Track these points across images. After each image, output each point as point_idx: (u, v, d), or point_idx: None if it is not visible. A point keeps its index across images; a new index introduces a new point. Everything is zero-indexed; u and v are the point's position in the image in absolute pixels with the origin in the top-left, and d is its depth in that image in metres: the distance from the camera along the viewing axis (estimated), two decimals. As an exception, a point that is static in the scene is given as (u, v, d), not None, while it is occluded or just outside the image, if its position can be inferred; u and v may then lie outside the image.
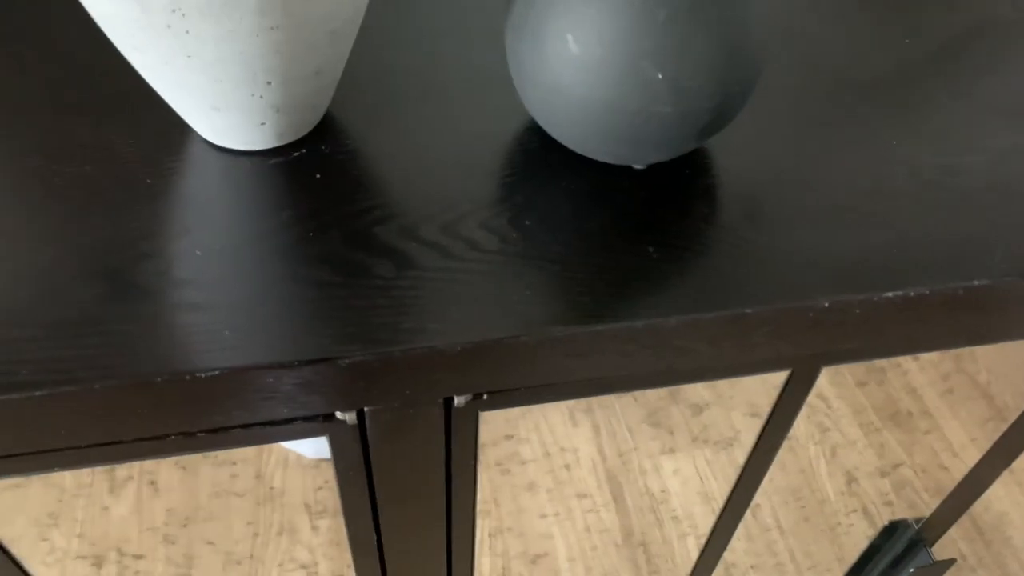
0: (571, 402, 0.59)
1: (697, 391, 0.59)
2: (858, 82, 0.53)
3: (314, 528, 0.56)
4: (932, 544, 0.80)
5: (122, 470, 0.49)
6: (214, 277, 0.38)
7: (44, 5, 0.52)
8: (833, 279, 0.41)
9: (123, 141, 0.44)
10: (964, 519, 0.78)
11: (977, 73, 0.55)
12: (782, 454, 0.58)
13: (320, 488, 0.55)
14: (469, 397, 0.42)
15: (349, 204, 0.42)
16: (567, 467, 0.60)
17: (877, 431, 0.68)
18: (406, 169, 0.45)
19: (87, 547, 0.52)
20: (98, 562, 0.53)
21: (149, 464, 0.51)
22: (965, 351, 0.67)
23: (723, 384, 0.57)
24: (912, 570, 0.81)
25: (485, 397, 0.43)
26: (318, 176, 0.44)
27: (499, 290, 0.39)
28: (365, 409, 0.41)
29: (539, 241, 0.42)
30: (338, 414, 0.41)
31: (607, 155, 0.44)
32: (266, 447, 0.54)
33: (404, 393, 0.39)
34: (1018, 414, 0.63)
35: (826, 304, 0.40)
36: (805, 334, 0.42)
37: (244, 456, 0.54)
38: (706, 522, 0.66)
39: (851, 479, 0.71)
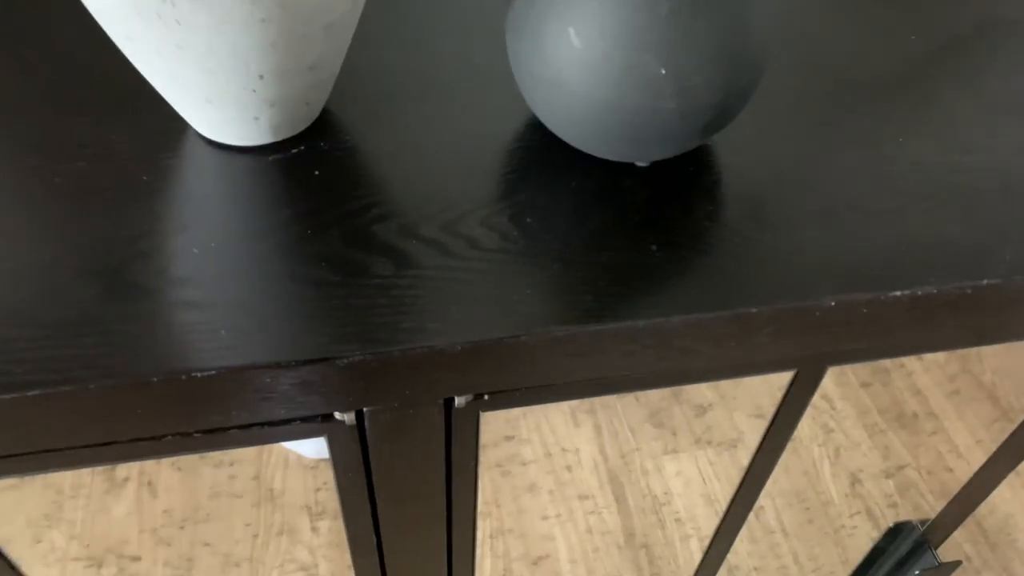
0: (573, 402, 0.58)
1: (700, 391, 0.59)
2: (863, 79, 0.53)
3: (314, 529, 0.56)
4: (937, 546, 0.80)
5: (120, 471, 0.49)
6: (212, 275, 0.38)
7: (44, 5, 0.52)
8: (839, 278, 0.41)
9: (122, 140, 0.44)
10: (969, 521, 0.78)
11: (983, 71, 0.54)
12: (786, 455, 0.57)
13: (320, 489, 0.55)
14: (469, 397, 0.42)
15: (348, 202, 0.42)
16: (568, 468, 0.59)
17: (882, 432, 0.67)
18: (406, 167, 0.44)
19: (85, 549, 0.51)
20: (96, 564, 0.52)
21: (148, 465, 0.51)
22: (971, 352, 0.66)
23: (726, 384, 0.57)
24: (917, 572, 0.80)
25: (486, 397, 0.42)
26: (317, 173, 0.43)
27: (500, 289, 0.39)
28: (364, 409, 0.41)
29: (540, 240, 0.41)
30: (337, 414, 0.40)
31: (609, 152, 0.44)
32: (266, 448, 0.54)
33: (404, 393, 0.38)
34: (1024, 415, 0.63)
35: (832, 303, 0.40)
36: (810, 334, 0.42)
37: (243, 457, 0.54)
38: (709, 524, 0.65)
39: (855, 481, 0.71)
